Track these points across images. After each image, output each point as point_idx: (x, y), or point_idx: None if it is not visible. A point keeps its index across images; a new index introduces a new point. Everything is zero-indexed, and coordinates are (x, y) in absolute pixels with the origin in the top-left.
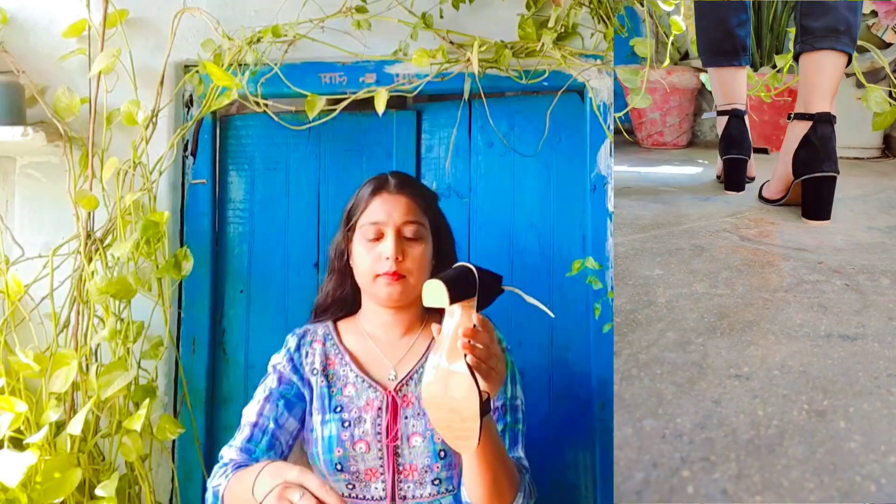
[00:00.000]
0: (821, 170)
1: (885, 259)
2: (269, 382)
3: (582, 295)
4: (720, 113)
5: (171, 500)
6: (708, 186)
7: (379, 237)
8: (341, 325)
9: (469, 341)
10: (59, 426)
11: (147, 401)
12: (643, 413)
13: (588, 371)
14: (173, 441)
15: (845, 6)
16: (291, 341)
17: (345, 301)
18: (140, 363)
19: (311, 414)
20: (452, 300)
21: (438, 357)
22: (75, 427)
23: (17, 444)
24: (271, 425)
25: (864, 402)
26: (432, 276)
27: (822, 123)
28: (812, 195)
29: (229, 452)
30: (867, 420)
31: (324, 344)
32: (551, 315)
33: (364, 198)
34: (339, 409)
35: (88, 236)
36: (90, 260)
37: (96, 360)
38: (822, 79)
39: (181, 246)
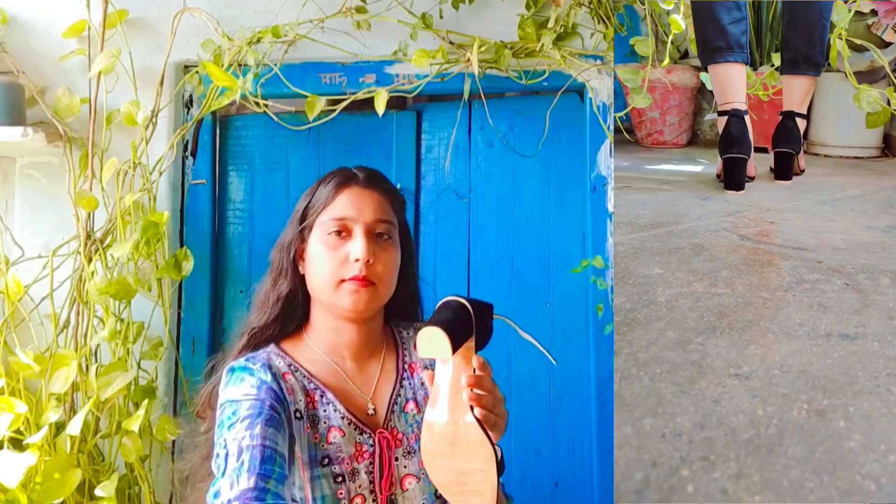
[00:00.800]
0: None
1: (884, 258)
2: (252, 405)
3: (582, 295)
4: (720, 113)
5: (170, 500)
6: (708, 185)
7: (344, 235)
8: (288, 349)
9: (473, 390)
10: (59, 427)
11: (146, 401)
12: (643, 412)
13: (588, 371)
14: (173, 441)
15: (804, 42)
16: (259, 371)
17: (291, 317)
18: (140, 364)
19: (290, 466)
20: (455, 348)
21: (436, 411)
22: (75, 427)
23: (17, 444)
24: (280, 449)
25: (864, 401)
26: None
27: (788, 118)
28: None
29: (235, 487)
30: (867, 419)
31: (293, 376)
32: (553, 362)
33: (328, 191)
34: (326, 460)
35: (88, 237)
36: (90, 260)
37: (96, 360)
38: (789, 92)
39: (181, 246)
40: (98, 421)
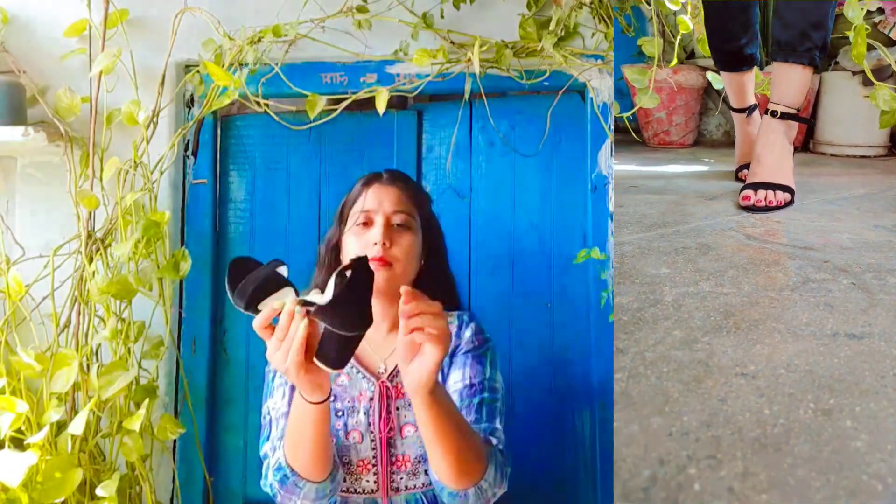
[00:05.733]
0: None
1: (891, 258)
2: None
3: (583, 295)
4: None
5: (171, 499)
6: (714, 185)
7: (369, 224)
8: None
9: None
10: (60, 426)
11: (147, 401)
12: (650, 411)
13: (588, 371)
14: (174, 441)
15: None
16: None
17: None
18: (141, 363)
19: None
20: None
21: None
22: (76, 427)
23: (19, 444)
24: None
25: (871, 401)
26: (422, 270)
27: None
28: None
29: (278, 451)
30: (874, 419)
31: None
32: None
33: (357, 189)
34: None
35: (89, 236)
36: (91, 260)
37: (97, 360)
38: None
39: (182, 246)
40: (99, 420)
